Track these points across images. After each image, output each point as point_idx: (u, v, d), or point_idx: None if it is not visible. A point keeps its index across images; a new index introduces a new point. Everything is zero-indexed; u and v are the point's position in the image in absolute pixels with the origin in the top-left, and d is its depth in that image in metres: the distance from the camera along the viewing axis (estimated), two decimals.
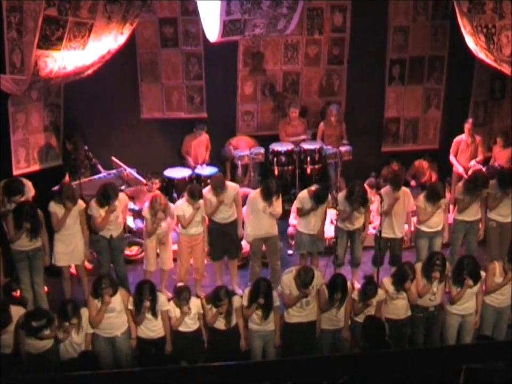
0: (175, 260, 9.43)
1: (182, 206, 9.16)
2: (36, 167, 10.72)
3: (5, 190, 9.00)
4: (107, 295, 7.74)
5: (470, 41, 9.63)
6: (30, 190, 9.26)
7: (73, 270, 9.31)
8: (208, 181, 10.88)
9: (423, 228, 9.38)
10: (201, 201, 9.13)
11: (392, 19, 11.73)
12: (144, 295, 7.74)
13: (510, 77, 10.03)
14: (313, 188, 9.33)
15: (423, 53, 11.93)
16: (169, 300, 8.09)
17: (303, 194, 9.35)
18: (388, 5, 11.59)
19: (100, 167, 10.56)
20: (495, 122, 12.30)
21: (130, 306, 7.84)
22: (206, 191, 9.36)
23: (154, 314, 7.83)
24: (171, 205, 9.31)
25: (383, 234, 9.31)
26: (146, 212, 9.10)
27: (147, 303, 7.73)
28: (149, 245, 9.23)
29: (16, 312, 7.67)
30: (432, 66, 12.03)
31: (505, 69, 9.70)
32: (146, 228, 9.13)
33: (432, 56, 11.96)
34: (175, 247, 9.49)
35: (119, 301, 7.85)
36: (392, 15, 11.70)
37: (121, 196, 9.27)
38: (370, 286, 8.07)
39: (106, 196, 8.87)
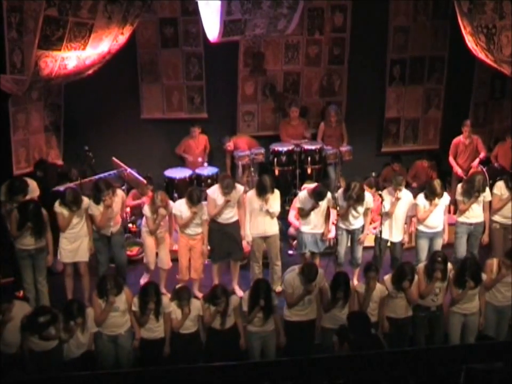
0: (176, 260, 9.41)
1: (180, 207, 9.12)
2: None
3: (8, 189, 8.98)
4: (112, 295, 7.73)
5: (470, 42, 9.63)
6: (34, 190, 9.24)
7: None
8: (209, 181, 10.95)
9: (422, 228, 9.35)
10: (199, 205, 9.05)
11: (393, 19, 11.73)
12: (149, 297, 7.71)
13: (510, 77, 10.03)
14: (311, 186, 9.34)
15: (423, 53, 11.93)
16: (170, 300, 8.05)
17: (303, 194, 9.35)
18: (389, 5, 11.59)
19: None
20: (495, 123, 12.31)
21: (134, 308, 7.80)
22: (211, 191, 9.31)
23: (157, 315, 7.80)
24: (170, 202, 9.31)
25: (384, 236, 9.32)
26: (146, 210, 9.10)
27: (152, 305, 7.70)
28: (148, 244, 9.24)
29: (20, 307, 7.61)
30: (432, 66, 12.03)
31: (505, 69, 9.70)
32: (149, 226, 9.12)
33: (433, 57, 11.97)
34: (176, 246, 9.48)
35: (123, 300, 7.83)
36: (392, 15, 11.71)
37: (118, 191, 9.26)
38: (370, 273, 8.06)
39: (98, 190, 8.89)
